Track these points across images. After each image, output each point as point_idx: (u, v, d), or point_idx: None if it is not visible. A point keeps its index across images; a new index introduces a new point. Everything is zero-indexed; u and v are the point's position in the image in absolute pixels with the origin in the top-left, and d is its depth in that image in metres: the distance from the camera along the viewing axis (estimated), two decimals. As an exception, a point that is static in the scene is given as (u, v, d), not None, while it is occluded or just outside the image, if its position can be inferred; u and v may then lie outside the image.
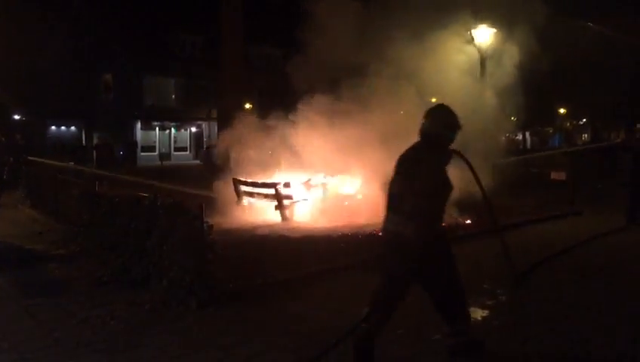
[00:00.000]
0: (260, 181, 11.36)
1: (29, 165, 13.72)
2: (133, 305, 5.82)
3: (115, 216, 7.54)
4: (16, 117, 36.02)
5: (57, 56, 33.72)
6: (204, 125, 41.07)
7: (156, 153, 37.48)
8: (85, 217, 8.57)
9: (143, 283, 6.23)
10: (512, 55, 11.49)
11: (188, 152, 41.22)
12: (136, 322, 5.42)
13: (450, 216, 10.27)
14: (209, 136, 39.64)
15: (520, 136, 40.69)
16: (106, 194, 8.35)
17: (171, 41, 37.89)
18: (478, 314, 5.52)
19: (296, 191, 10.92)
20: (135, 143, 33.68)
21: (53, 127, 39.69)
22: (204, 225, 5.94)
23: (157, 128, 39.95)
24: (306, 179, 11.10)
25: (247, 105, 23.21)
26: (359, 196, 11.00)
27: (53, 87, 34.49)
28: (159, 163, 31.43)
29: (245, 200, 11.64)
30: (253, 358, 4.57)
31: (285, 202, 10.84)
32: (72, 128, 40.85)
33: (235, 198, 11.72)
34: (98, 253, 7.50)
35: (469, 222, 9.94)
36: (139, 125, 38.41)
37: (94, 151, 30.76)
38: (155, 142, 39.77)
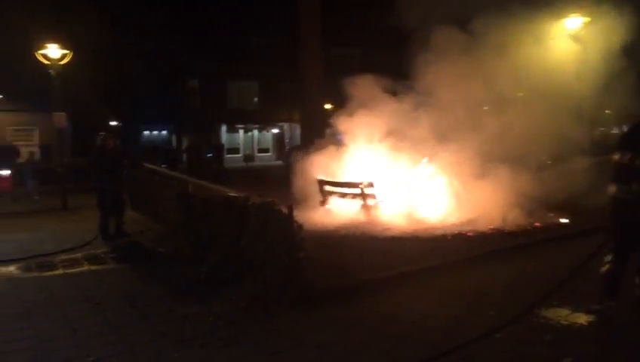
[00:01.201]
0: (344, 181, 11.42)
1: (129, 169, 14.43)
2: (229, 303, 6.04)
3: (209, 217, 7.86)
4: (113, 123, 38.34)
5: (148, 64, 35.62)
6: (285, 127, 41.85)
7: (240, 155, 38.65)
8: (180, 218, 8.99)
9: (238, 281, 6.44)
10: (611, 44, 10.84)
11: (270, 153, 42.19)
12: (233, 319, 5.62)
13: (547, 215, 9.93)
14: (290, 137, 40.35)
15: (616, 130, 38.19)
16: (199, 195, 8.72)
17: (253, 44, 38.90)
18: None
19: (381, 190, 10.89)
20: (222, 145, 34.90)
21: (146, 132, 41.93)
22: (294, 224, 6.06)
23: (241, 131, 41.19)
24: (391, 179, 11.05)
25: (328, 106, 23.41)
26: (445, 194, 10.79)
27: (145, 94, 36.44)
28: (244, 164, 32.39)
29: (330, 199, 11.75)
30: (349, 358, 4.62)
31: (370, 201, 10.84)
32: (163, 132, 42.96)
33: (320, 198, 11.86)
34: (194, 252, 7.83)
35: (566, 221, 9.58)
36: (224, 128, 39.78)
37: (184, 154, 32.15)
38: (239, 144, 41.05)
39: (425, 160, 11.09)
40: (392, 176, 11.18)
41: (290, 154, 20.18)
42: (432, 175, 11.00)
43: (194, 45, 36.08)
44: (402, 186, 11.04)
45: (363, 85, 11.59)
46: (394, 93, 11.42)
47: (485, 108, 10.96)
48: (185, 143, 38.85)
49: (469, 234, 9.00)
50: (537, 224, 9.57)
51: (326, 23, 17.80)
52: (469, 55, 10.38)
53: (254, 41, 39.06)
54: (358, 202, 10.98)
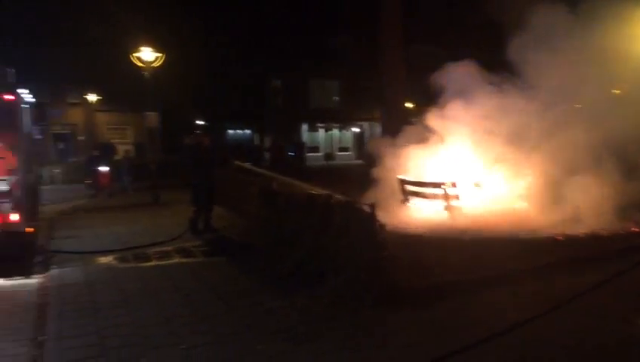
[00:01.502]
0: (426, 181, 11.27)
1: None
2: (311, 299, 6.14)
3: (292, 213, 8.02)
4: (200, 122, 39.90)
5: (233, 65, 36.76)
6: (365, 126, 41.82)
7: (321, 153, 39.06)
8: (264, 214, 9.23)
9: (320, 277, 6.54)
10: None
11: (350, 152, 42.32)
12: (316, 315, 5.71)
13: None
14: (370, 136, 40.25)
15: None
16: (282, 191, 8.91)
17: (335, 44, 39.13)
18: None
19: (464, 191, 10.65)
20: (303, 144, 35.49)
21: (230, 131, 43.29)
22: (377, 223, 6.07)
23: (321, 129, 41.63)
24: (475, 180, 10.78)
25: (409, 105, 23.17)
26: (534, 195, 10.39)
27: (230, 94, 37.62)
28: (324, 162, 32.72)
29: (411, 199, 11.63)
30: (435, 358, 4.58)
31: (453, 202, 10.63)
32: (247, 131, 44.18)
33: (400, 198, 11.77)
34: (277, 248, 8.01)
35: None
36: (305, 127, 40.37)
37: (268, 152, 32.98)
38: (319, 142, 41.51)
39: (509, 158, 10.71)
40: (478, 175, 10.89)
41: (370, 152, 20.14)
42: (520, 174, 10.62)
43: (277, 46, 36.79)
44: (487, 186, 10.74)
45: (461, 74, 11.10)
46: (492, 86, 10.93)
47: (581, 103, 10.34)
48: (267, 142, 39.75)
49: (558, 237, 8.62)
50: (634, 229, 9.01)
51: (408, 19, 17.60)
52: (578, 39, 9.78)
53: (336, 41, 39.26)
54: (441, 202, 10.80)
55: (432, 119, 11.42)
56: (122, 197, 17.98)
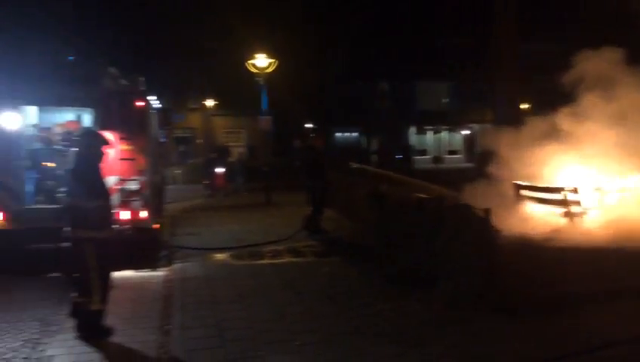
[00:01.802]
0: (544, 186, 10.69)
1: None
2: (422, 303, 6.07)
3: (401, 216, 7.96)
4: (309, 125, 40.81)
5: (340, 69, 37.21)
6: (476, 128, 40.50)
7: (429, 156, 38.40)
8: (373, 216, 9.24)
9: (431, 282, 6.43)
10: None
11: (460, 155, 41.19)
12: (426, 319, 5.64)
13: None
14: (481, 138, 38.91)
15: None
16: (392, 194, 8.87)
17: (443, 45, 38.32)
18: None
19: (586, 197, 9.97)
20: (411, 147, 35.10)
21: (338, 133, 43.85)
22: (492, 229, 5.87)
23: (430, 132, 40.92)
24: (599, 185, 10.05)
25: (525, 106, 22.13)
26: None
27: (337, 97, 38.14)
28: (432, 165, 32.13)
29: (527, 204, 11.08)
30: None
31: (574, 209, 9.99)
32: (354, 134, 44.51)
33: (516, 203, 11.25)
34: (386, 251, 8.00)
35: None
36: (413, 130, 39.89)
37: (375, 155, 33.01)
38: (428, 145, 40.82)
39: None
40: (605, 180, 10.13)
41: (482, 156, 19.47)
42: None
43: (385, 48, 36.72)
44: (615, 193, 9.97)
45: (601, 63, 10.26)
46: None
47: None
48: (374, 145, 39.76)
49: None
50: None
51: (523, 17, 16.81)
52: None
53: (446, 41, 38.46)
54: (560, 209, 10.19)
55: (561, 118, 10.74)
56: (236, 197, 18.83)
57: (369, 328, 5.47)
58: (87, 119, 9.24)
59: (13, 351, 5.11)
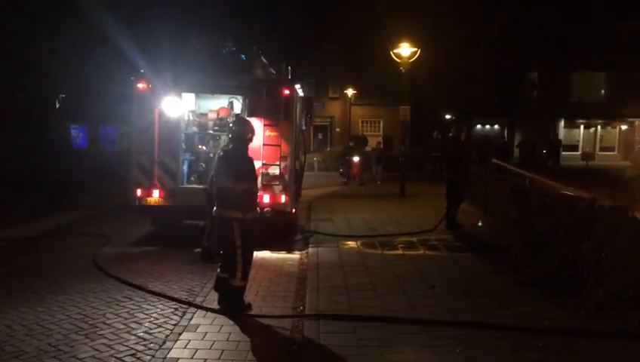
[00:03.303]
0: None
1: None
2: (565, 308, 5.69)
3: (546, 215, 7.49)
4: (447, 116, 39.81)
5: (488, 59, 35.69)
6: (637, 123, 36.64)
7: (579, 152, 35.52)
8: (514, 213, 8.79)
9: (576, 287, 5.99)
10: None
11: (615, 152, 37.54)
12: (569, 326, 5.26)
13: None
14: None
15: None
16: (537, 191, 8.36)
17: (604, 30, 35.05)
18: None
19: None
20: (559, 142, 32.69)
21: (479, 126, 42.25)
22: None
23: (581, 126, 37.75)
24: None
25: None
26: None
27: (481, 88, 36.71)
28: (582, 163, 29.74)
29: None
30: None
31: None
32: (496, 126, 42.61)
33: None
34: (526, 250, 7.58)
35: None
36: (562, 123, 37.09)
37: (517, 149, 31.33)
38: (578, 141, 37.72)
39: None
40: None
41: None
42: None
43: (538, 35, 34.54)
44: None
45: None
46: None
47: None
48: (517, 138, 37.73)
49: None
50: None
51: None
52: None
53: (608, 27, 35.18)
54: None
55: None
56: (371, 186, 18.99)
57: (507, 329, 5.23)
58: (237, 106, 9.86)
59: (165, 317, 5.65)
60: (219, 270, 5.87)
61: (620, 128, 38.08)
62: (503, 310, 5.76)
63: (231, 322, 5.49)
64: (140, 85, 9.09)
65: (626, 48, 34.29)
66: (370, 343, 4.91)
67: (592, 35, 34.38)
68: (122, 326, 5.38)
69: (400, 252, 8.61)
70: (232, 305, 5.74)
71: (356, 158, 19.76)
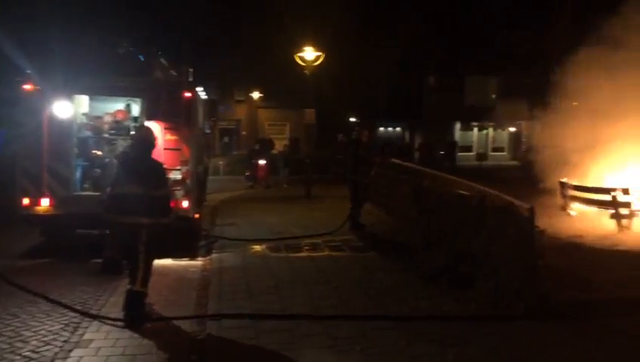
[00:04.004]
0: (592, 185, 10.35)
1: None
2: (459, 303, 5.97)
3: (441, 214, 7.85)
4: (352, 119, 40.70)
5: (387, 63, 36.87)
6: (523, 125, 39.47)
7: (473, 153, 37.67)
8: (413, 212, 9.15)
9: (468, 281, 6.32)
10: None
11: (505, 152, 40.24)
12: (463, 319, 5.54)
13: None
14: (528, 136, 37.90)
15: None
16: (433, 191, 8.74)
17: (494, 38, 37.45)
18: None
19: (637, 199, 9.59)
20: (455, 143, 34.50)
21: (381, 128, 43.56)
22: (535, 229, 5.71)
23: (475, 128, 40.10)
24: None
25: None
26: None
27: (382, 92, 37.85)
28: (476, 163, 31.51)
29: (574, 205, 10.76)
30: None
31: (623, 211, 9.63)
32: (398, 129, 44.13)
33: (562, 202, 10.95)
34: (424, 248, 7.91)
35: None
36: (458, 126, 39.19)
37: (417, 152, 32.64)
38: (472, 142, 40.03)
39: None
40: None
41: (526, 153, 19.02)
42: None
43: (435, 42, 36.19)
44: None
45: None
46: None
47: None
48: (418, 140, 39.31)
49: None
50: None
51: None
52: None
53: (496, 36, 37.57)
54: (609, 210, 9.84)
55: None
56: (277, 189, 18.97)
57: (405, 325, 5.41)
58: (135, 109, 9.47)
59: (54, 334, 5.29)
60: (129, 284, 5.58)
61: (509, 130, 40.86)
62: (401, 306, 5.96)
63: (126, 335, 5.24)
64: (27, 87, 8.49)
65: (513, 55, 36.81)
66: (271, 346, 4.89)
67: (483, 42, 36.60)
68: (6, 346, 4.97)
69: (305, 254, 8.67)
70: (133, 313, 5.49)
71: (262, 161, 19.68)
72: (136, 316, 5.47)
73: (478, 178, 15.48)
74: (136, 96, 9.22)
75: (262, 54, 32.04)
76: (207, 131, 11.56)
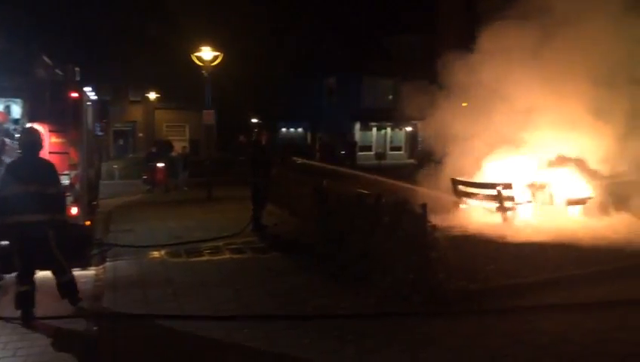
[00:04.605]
0: (479, 181, 11.00)
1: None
2: (358, 298, 6.12)
3: (341, 213, 8.00)
4: (254, 120, 40.54)
5: (288, 64, 37.11)
6: (419, 125, 41.29)
7: (373, 152, 38.86)
8: (315, 212, 9.24)
9: (368, 277, 6.48)
10: None
11: (402, 151, 41.88)
12: (363, 314, 5.69)
13: None
14: (423, 135, 39.74)
15: None
16: (333, 191, 8.89)
17: (389, 42, 38.87)
18: None
19: (519, 193, 10.33)
20: (355, 143, 35.38)
21: (283, 129, 43.74)
22: (428, 224, 5.97)
23: (374, 129, 41.39)
24: (531, 181, 10.45)
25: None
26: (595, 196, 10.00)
27: (283, 93, 38.03)
28: (376, 162, 32.53)
29: (464, 200, 11.38)
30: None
31: (508, 204, 10.33)
32: (299, 130, 44.51)
33: (454, 198, 11.53)
34: (326, 247, 8.01)
35: None
36: (358, 126, 40.25)
37: (317, 152, 33.14)
38: (371, 142, 41.27)
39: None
40: (535, 176, 10.54)
41: (422, 151, 19.90)
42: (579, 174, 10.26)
43: (334, 44, 36.89)
44: (544, 187, 10.38)
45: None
46: None
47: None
48: (324, 140, 39.86)
49: (619, 242, 8.20)
50: None
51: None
52: None
53: (392, 39, 39.04)
54: (495, 204, 10.51)
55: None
56: (177, 192, 18.46)
57: (309, 324, 5.46)
58: (16, 110, 8.78)
59: None
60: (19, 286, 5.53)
61: (406, 130, 42.56)
62: (303, 305, 6.00)
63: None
64: None
65: (408, 58, 38.40)
66: (169, 347, 4.76)
67: (380, 45, 37.92)
68: None
69: (206, 258, 8.49)
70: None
71: (160, 164, 19.05)
72: (74, 298, 5.86)
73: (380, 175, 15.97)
74: (17, 97, 8.55)
75: (158, 54, 30.97)
76: (100, 133, 10.96)
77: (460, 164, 11.59)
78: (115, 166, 25.09)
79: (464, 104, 13.36)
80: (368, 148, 40.23)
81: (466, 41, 16.41)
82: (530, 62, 10.43)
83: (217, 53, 16.36)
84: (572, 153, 10.46)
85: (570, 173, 10.45)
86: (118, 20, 31.06)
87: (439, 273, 5.94)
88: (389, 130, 42.07)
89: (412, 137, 41.89)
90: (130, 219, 12.34)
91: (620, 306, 5.79)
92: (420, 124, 40.77)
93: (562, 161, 10.57)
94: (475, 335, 5.07)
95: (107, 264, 8.09)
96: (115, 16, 31.05)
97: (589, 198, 10.24)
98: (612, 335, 5.01)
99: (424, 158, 16.93)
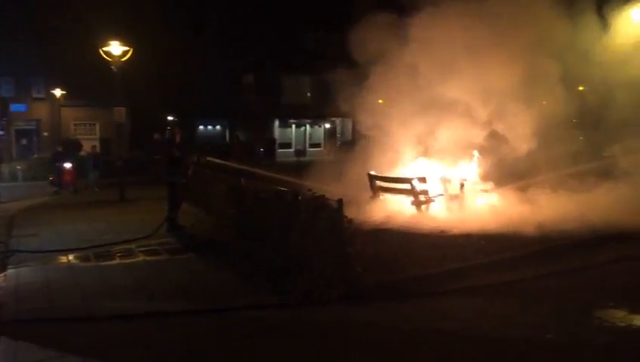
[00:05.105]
0: (394, 176, 11.27)
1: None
2: (277, 295, 6.07)
3: (259, 210, 7.92)
4: (170, 118, 39.32)
5: (204, 60, 36.28)
6: (337, 122, 41.82)
7: (292, 149, 38.96)
8: (231, 211, 9.10)
9: (287, 274, 6.45)
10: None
11: (322, 148, 42.25)
12: (282, 311, 5.67)
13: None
14: (342, 132, 40.28)
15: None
16: (250, 189, 8.79)
17: (307, 40, 39.04)
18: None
19: (432, 186, 10.69)
20: (274, 141, 35.28)
21: (201, 127, 42.81)
22: (344, 219, 6.02)
23: (293, 126, 41.50)
24: (443, 175, 10.85)
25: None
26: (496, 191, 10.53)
27: (201, 90, 37.17)
28: (295, 158, 32.61)
29: (381, 195, 11.63)
30: (399, 354, 4.56)
31: (421, 198, 10.66)
32: (218, 127, 43.75)
33: (370, 193, 11.75)
34: (244, 245, 7.90)
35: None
36: (277, 123, 40.18)
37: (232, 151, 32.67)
38: (291, 139, 41.36)
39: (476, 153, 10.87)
40: (447, 171, 10.95)
41: (341, 149, 20.18)
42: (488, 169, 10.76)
43: (250, 41, 36.54)
44: (457, 182, 10.81)
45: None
46: None
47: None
48: (239, 138, 39.42)
49: (523, 232, 8.68)
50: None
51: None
52: None
53: (310, 37, 39.23)
54: (410, 198, 10.82)
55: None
56: (87, 193, 17.56)
57: (228, 326, 5.37)
58: None
59: None
60: None
61: (325, 127, 43.02)
62: (219, 304, 5.88)
63: None
64: None
65: (325, 55, 38.70)
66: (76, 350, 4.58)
67: (298, 42, 38.00)
68: None
69: (117, 261, 8.11)
70: None
71: (68, 165, 18.04)
72: None
73: (296, 173, 16.01)
74: None
75: (64, 48, 29.28)
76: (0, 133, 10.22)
77: (377, 160, 11.85)
78: (19, 167, 23.58)
79: (380, 100, 13.69)
80: (288, 145, 40.29)
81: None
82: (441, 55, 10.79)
83: (127, 48, 15.72)
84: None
85: (478, 165, 10.95)
86: (20, 10, 29.10)
87: (356, 266, 6.01)
88: (308, 127, 42.35)
89: (331, 134, 42.42)
90: (35, 223, 11.59)
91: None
92: (338, 121, 41.48)
93: (470, 154, 11.06)
94: (391, 325, 5.17)
95: (8, 272, 7.54)
96: (14, 5, 29.04)
97: (495, 189, 10.77)
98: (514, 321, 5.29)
99: (342, 154, 17.16)
